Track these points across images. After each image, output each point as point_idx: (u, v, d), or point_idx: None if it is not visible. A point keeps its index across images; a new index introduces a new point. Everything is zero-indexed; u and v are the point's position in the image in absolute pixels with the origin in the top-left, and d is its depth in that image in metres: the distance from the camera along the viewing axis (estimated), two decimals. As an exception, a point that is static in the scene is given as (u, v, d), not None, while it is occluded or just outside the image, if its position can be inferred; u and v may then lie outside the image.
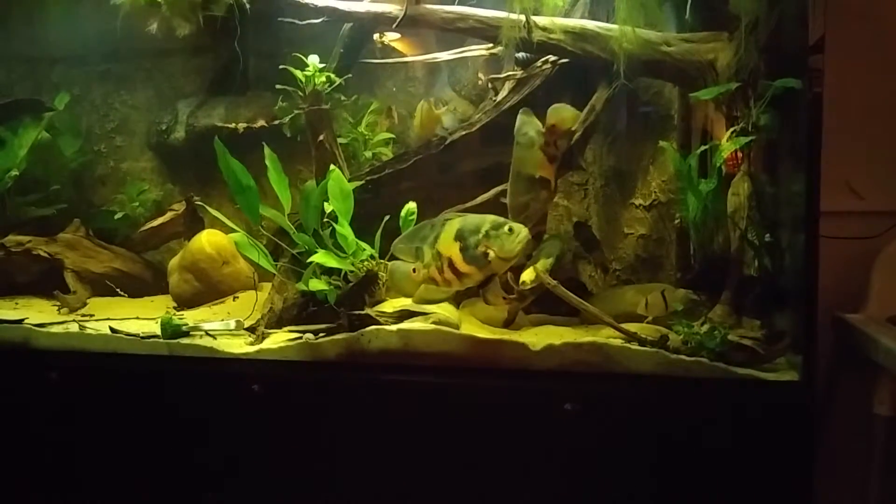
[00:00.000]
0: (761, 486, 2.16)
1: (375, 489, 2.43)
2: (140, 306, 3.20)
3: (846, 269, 2.78)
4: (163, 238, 3.54)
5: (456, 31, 2.83)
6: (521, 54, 2.90)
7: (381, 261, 2.67)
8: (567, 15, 2.79)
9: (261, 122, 3.36)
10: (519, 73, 2.96)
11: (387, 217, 2.64)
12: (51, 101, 3.56)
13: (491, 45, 2.94)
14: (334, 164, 2.77)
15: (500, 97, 2.98)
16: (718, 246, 2.61)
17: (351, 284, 2.64)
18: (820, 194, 2.12)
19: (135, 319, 2.91)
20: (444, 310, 2.59)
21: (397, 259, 2.48)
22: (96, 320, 2.91)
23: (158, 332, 2.66)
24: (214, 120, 3.44)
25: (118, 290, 3.30)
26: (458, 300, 2.77)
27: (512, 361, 2.35)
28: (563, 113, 2.62)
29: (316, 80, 2.82)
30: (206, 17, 2.95)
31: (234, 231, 2.78)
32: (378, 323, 2.48)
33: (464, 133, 2.90)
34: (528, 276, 2.51)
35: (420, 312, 2.53)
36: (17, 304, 3.23)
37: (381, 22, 2.89)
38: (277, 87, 2.91)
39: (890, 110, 2.89)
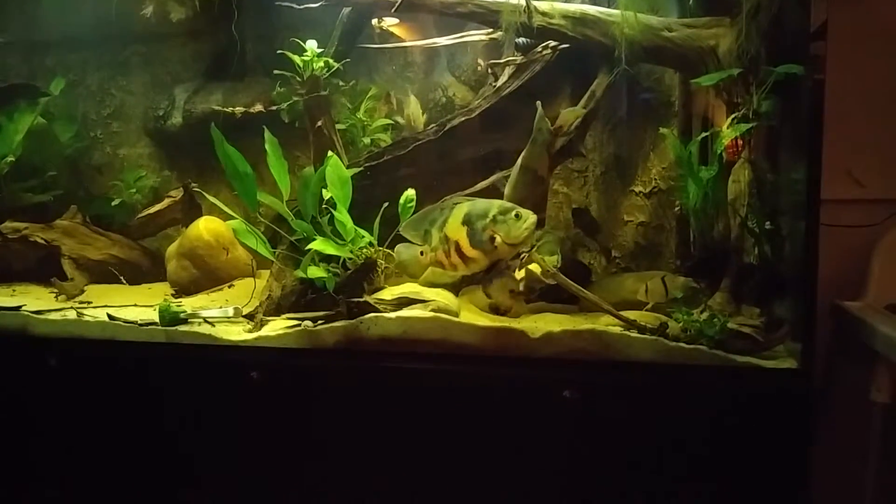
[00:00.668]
0: (760, 473, 2.16)
1: (374, 476, 2.43)
2: (138, 293, 3.19)
3: (846, 256, 2.78)
4: (160, 225, 3.53)
5: (455, 16, 2.81)
6: (521, 39, 2.88)
7: (380, 248, 2.66)
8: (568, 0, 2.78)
9: (258, 108, 3.34)
10: (519, 58, 2.94)
11: (386, 204, 2.63)
12: (46, 86, 3.54)
13: (491, 29, 2.93)
14: (332, 151, 2.75)
15: (499, 83, 2.97)
16: (718, 233, 2.60)
17: (350, 272, 2.63)
18: (820, 182, 2.11)
19: (133, 306, 2.90)
20: (444, 297, 2.58)
21: (405, 241, 2.49)
22: (94, 307, 2.90)
23: (156, 319, 2.65)
24: (212, 105, 3.43)
25: (119, 277, 3.29)
26: (459, 288, 2.76)
27: (511, 349, 2.35)
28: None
29: (314, 65, 2.80)
30: (203, 0, 2.93)
31: (231, 218, 2.77)
32: (377, 310, 2.47)
33: (463, 119, 2.89)
34: (534, 269, 2.50)
35: (419, 300, 2.53)
36: (14, 291, 3.22)
37: (379, 6, 2.87)
38: (275, 72, 2.89)
39: (891, 97, 2.88)
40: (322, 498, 2.48)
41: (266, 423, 2.49)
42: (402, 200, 2.63)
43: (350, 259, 2.65)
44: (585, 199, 3.21)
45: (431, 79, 3.30)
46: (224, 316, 2.72)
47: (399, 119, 3.21)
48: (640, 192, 3.10)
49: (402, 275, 2.64)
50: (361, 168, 2.83)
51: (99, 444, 2.65)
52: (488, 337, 2.37)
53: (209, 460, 2.57)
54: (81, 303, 3.00)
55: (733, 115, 2.45)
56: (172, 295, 3.16)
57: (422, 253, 2.45)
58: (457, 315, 2.51)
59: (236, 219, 2.76)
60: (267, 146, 2.74)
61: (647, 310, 2.57)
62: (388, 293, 2.60)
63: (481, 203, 2.42)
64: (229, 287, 3.17)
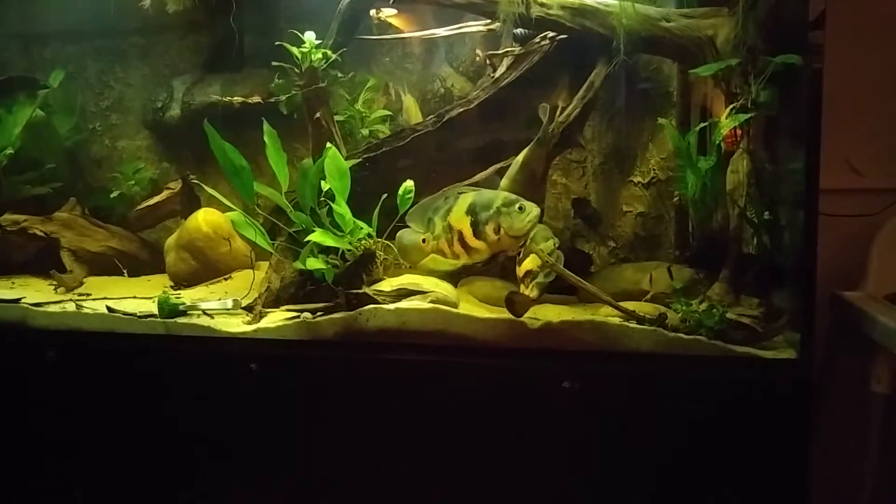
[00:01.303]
0: (759, 464, 2.16)
1: (374, 467, 2.44)
2: (137, 285, 3.19)
3: (845, 246, 2.79)
4: (159, 217, 3.52)
5: (453, 7, 2.80)
6: (519, 30, 2.87)
7: (379, 239, 2.66)
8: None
9: (256, 99, 3.34)
10: (517, 49, 2.93)
11: (384, 195, 2.63)
12: (45, 79, 3.53)
13: (489, 20, 2.92)
14: (331, 142, 2.75)
15: (498, 74, 2.96)
16: (717, 224, 2.60)
17: (348, 263, 2.63)
18: (819, 171, 2.10)
19: (132, 298, 2.90)
20: (443, 288, 2.58)
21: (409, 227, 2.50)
22: (93, 299, 2.90)
23: (156, 311, 2.65)
24: (210, 97, 3.42)
25: (122, 268, 3.29)
26: (458, 279, 2.77)
27: (510, 340, 2.35)
28: None
29: (312, 56, 2.79)
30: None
31: (230, 210, 2.77)
32: (376, 302, 2.48)
33: (462, 110, 2.88)
34: (531, 263, 2.49)
35: (418, 291, 2.53)
36: (13, 283, 3.22)
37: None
38: (274, 63, 2.88)
39: (890, 87, 2.87)
40: (321, 489, 2.49)
41: (265, 415, 2.49)
42: (400, 192, 2.63)
43: (349, 250, 2.64)
44: (584, 189, 3.21)
45: (430, 70, 3.29)
46: (223, 308, 2.72)
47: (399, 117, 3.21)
48: (639, 182, 3.10)
49: (403, 261, 2.64)
50: (360, 159, 2.83)
51: (98, 435, 2.66)
52: (487, 328, 2.37)
53: (208, 451, 2.57)
54: (80, 295, 3.00)
55: (732, 106, 2.44)
56: (171, 287, 3.16)
57: (424, 240, 2.46)
58: (456, 306, 2.52)
59: (235, 210, 2.76)
60: (266, 138, 2.73)
61: (646, 300, 2.57)
62: (388, 284, 2.60)
63: (486, 194, 2.43)
64: (225, 279, 3.17)
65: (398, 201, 2.61)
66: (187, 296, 2.92)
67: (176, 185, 3.45)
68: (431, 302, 2.47)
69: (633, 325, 2.29)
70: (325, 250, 2.61)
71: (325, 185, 2.64)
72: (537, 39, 2.90)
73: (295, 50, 2.77)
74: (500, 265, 2.72)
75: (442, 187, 2.63)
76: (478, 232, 2.37)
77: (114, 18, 3.35)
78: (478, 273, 2.78)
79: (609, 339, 2.28)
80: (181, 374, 2.59)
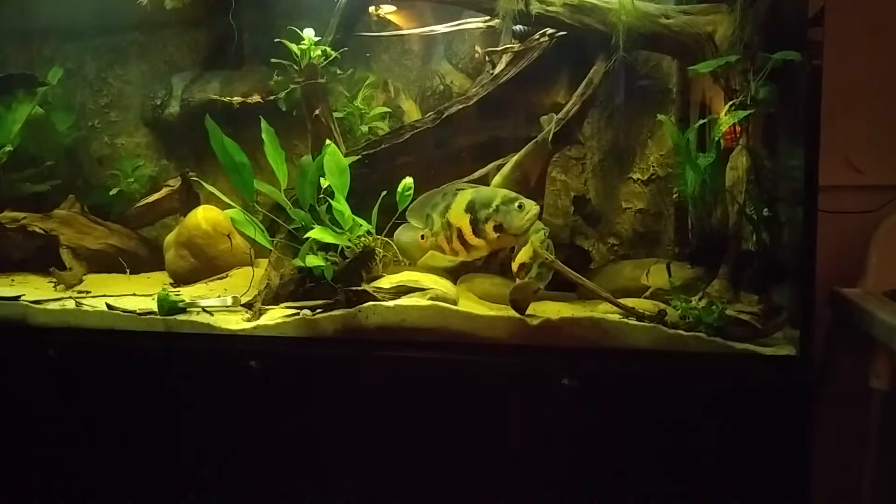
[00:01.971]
0: (758, 461, 2.16)
1: (374, 465, 2.44)
2: (136, 283, 3.19)
3: (844, 243, 2.78)
4: (158, 214, 3.52)
5: (452, 4, 2.80)
6: (518, 27, 2.87)
7: (378, 236, 2.66)
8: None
9: (255, 98, 3.33)
10: (516, 45, 2.93)
11: (384, 192, 2.63)
12: (44, 76, 3.53)
13: (488, 17, 2.91)
14: (330, 139, 2.75)
15: (497, 70, 2.96)
16: (716, 220, 2.60)
17: (348, 260, 2.63)
18: (818, 168, 2.10)
19: (131, 296, 2.90)
20: (442, 285, 2.58)
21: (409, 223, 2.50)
22: (93, 297, 2.90)
23: (155, 308, 2.65)
24: (209, 94, 3.42)
25: (125, 266, 3.29)
26: (457, 275, 2.77)
27: (509, 337, 2.35)
28: None
29: (311, 53, 2.79)
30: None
31: (230, 207, 2.76)
32: (375, 299, 2.48)
33: (461, 107, 2.88)
34: (525, 255, 2.49)
35: (417, 288, 2.53)
36: (13, 280, 3.22)
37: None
38: (273, 60, 2.88)
39: (890, 84, 2.87)
40: (321, 487, 2.49)
41: (265, 412, 2.50)
42: (399, 188, 2.63)
43: (348, 248, 2.64)
44: (584, 186, 3.21)
45: (429, 67, 3.28)
46: (222, 305, 2.72)
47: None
48: (639, 179, 3.10)
49: (402, 258, 2.64)
50: (359, 156, 2.83)
51: (98, 433, 2.66)
52: (486, 325, 2.37)
53: (208, 449, 2.58)
54: (80, 292, 3.01)
55: (731, 102, 2.44)
56: (171, 284, 3.16)
57: (422, 237, 2.46)
58: (455, 303, 2.52)
59: (234, 208, 2.76)
60: (263, 136, 2.73)
61: (645, 296, 2.57)
62: (387, 281, 2.60)
63: (485, 191, 2.43)
64: (223, 278, 3.17)
65: (397, 198, 2.61)
66: (187, 293, 2.92)
67: (175, 183, 3.45)
68: (431, 299, 2.47)
69: (632, 321, 2.29)
70: (324, 247, 2.62)
71: (324, 182, 2.64)
72: (536, 36, 2.89)
73: (294, 47, 2.77)
74: (499, 262, 2.72)
75: (441, 184, 2.63)
76: (477, 229, 2.37)
77: (113, 15, 3.34)
78: (476, 270, 2.78)
79: (608, 335, 2.27)
80: (181, 372, 2.59)
